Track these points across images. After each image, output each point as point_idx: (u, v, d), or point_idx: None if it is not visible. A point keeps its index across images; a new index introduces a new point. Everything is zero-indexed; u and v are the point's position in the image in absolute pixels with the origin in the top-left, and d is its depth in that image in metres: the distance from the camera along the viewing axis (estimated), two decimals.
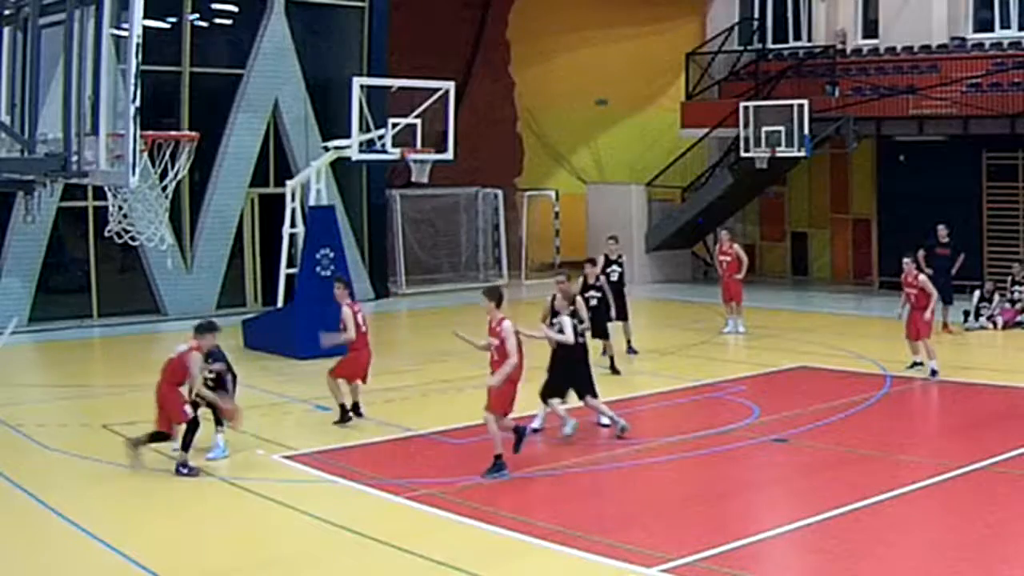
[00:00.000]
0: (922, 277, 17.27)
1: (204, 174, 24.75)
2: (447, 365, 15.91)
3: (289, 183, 21.08)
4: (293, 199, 20.70)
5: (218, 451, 12.50)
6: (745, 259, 21.17)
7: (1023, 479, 11.35)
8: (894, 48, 27.74)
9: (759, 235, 31.74)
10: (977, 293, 21.77)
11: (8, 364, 18.61)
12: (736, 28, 31.55)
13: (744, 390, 15.87)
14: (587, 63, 32.94)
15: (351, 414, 14.06)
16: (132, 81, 7.02)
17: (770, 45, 30.96)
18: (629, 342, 18.63)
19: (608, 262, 18.50)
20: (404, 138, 20.28)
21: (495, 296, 11.89)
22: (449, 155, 21.08)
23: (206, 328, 12.29)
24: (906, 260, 17.44)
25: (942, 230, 21.10)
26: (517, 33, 33.32)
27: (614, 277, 18.27)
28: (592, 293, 16.56)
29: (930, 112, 25.10)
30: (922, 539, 9.71)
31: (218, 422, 12.52)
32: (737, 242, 22.11)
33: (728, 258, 21.06)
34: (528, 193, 32.31)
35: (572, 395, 13.30)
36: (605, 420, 13.40)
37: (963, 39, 27.05)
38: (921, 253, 20.97)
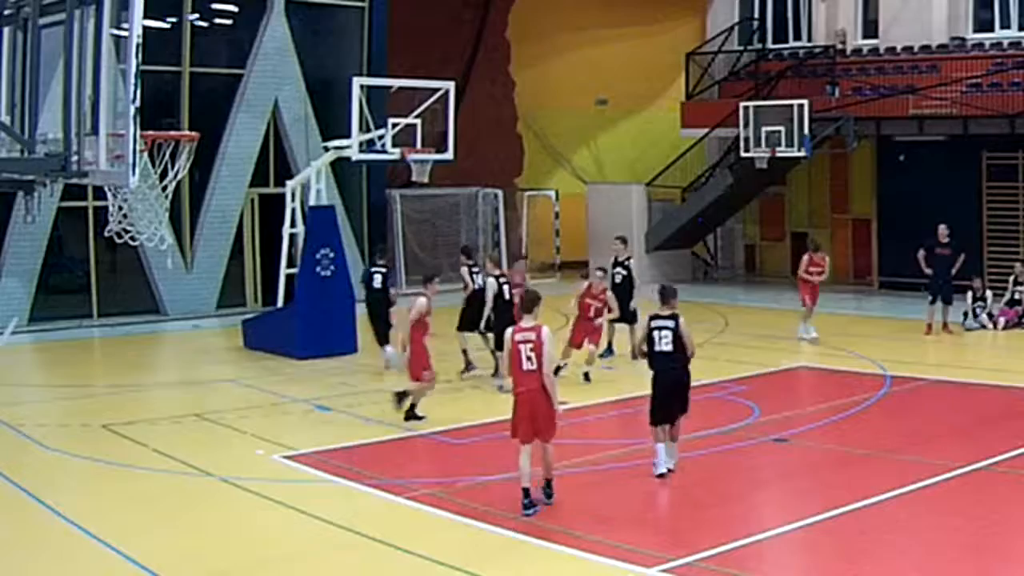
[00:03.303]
0: (610, 294, 17.01)
1: (204, 174, 24.74)
2: (447, 365, 15.88)
3: (289, 183, 21.09)
4: (293, 199, 20.70)
5: None
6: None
7: (1023, 479, 11.36)
8: (894, 48, 27.74)
9: (759, 235, 31.74)
10: (970, 294, 21.72)
11: (8, 364, 18.63)
12: (736, 28, 31.57)
13: (744, 390, 15.86)
14: (587, 63, 32.95)
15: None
16: (132, 81, 7.03)
17: (770, 45, 30.97)
18: (634, 347, 18.42)
19: (614, 263, 18.49)
20: (404, 138, 20.28)
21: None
22: (449, 155, 21.08)
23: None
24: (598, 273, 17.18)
25: (942, 230, 21.01)
26: (517, 33, 33.31)
27: (617, 279, 18.22)
28: (618, 269, 18.28)
29: (930, 112, 25.10)
30: (922, 539, 9.70)
31: None
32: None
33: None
34: (528, 193, 32.33)
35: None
36: None
37: (963, 39, 27.06)
38: (922, 253, 20.96)
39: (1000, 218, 25.73)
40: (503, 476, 11.70)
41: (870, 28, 28.99)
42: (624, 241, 19.02)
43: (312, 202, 20.23)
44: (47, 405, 16.32)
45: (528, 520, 10.14)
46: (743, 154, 26.74)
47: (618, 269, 18.39)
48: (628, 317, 17.97)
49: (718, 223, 31.04)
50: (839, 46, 29.00)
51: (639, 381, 16.80)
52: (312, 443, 13.31)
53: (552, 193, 32.17)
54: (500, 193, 31.12)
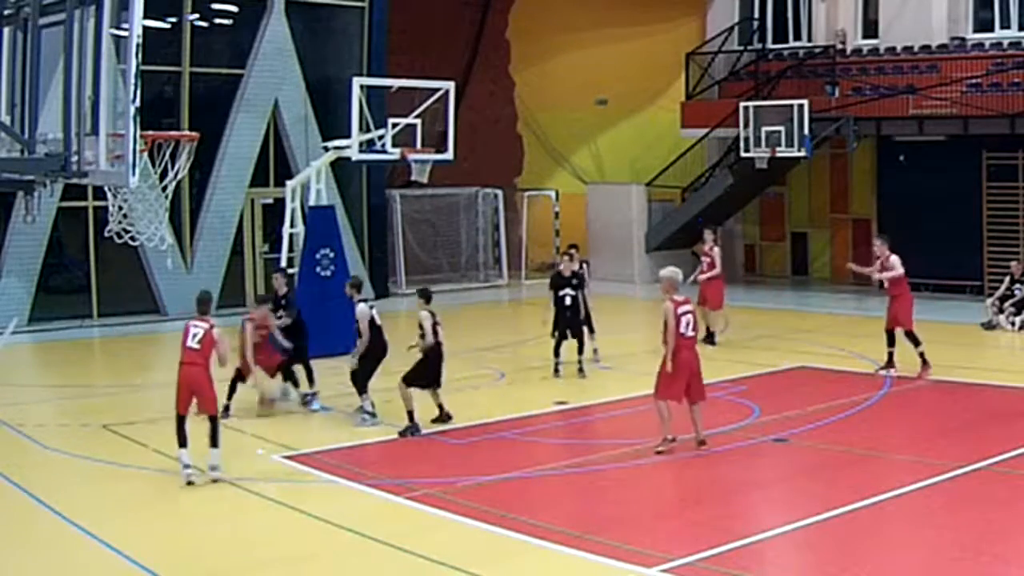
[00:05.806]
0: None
1: (204, 174, 24.75)
2: (447, 365, 15.86)
3: (289, 183, 21.09)
4: (293, 199, 20.70)
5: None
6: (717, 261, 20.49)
7: (1023, 479, 11.35)
8: (894, 48, 27.72)
9: (759, 235, 31.74)
10: (1007, 279, 21.43)
11: (8, 364, 18.62)
12: (736, 28, 31.52)
13: (744, 390, 15.86)
14: (587, 63, 32.93)
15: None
16: (132, 81, 7.03)
17: (770, 45, 30.92)
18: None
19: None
20: (404, 138, 20.27)
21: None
22: (449, 155, 21.06)
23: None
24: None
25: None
26: (517, 33, 33.32)
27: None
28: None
29: (930, 112, 25.08)
30: (922, 539, 9.71)
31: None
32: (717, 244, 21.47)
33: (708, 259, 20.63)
34: (528, 193, 32.31)
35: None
36: None
37: (963, 39, 27.03)
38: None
39: (1000, 218, 25.71)
40: (503, 476, 11.73)
41: (870, 28, 28.96)
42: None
43: (312, 202, 20.23)
44: (47, 405, 16.32)
45: (528, 520, 10.14)
46: (743, 154, 26.74)
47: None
48: None
49: (718, 223, 31.01)
50: (839, 46, 28.97)
51: (640, 381, 16.85)
52: (312, 443, 13.32)
53: (552, 193, 32.16)
54: (500, 193, 31.12)
